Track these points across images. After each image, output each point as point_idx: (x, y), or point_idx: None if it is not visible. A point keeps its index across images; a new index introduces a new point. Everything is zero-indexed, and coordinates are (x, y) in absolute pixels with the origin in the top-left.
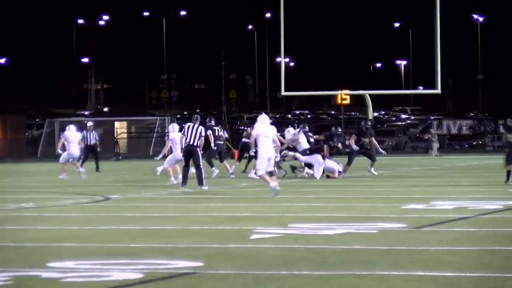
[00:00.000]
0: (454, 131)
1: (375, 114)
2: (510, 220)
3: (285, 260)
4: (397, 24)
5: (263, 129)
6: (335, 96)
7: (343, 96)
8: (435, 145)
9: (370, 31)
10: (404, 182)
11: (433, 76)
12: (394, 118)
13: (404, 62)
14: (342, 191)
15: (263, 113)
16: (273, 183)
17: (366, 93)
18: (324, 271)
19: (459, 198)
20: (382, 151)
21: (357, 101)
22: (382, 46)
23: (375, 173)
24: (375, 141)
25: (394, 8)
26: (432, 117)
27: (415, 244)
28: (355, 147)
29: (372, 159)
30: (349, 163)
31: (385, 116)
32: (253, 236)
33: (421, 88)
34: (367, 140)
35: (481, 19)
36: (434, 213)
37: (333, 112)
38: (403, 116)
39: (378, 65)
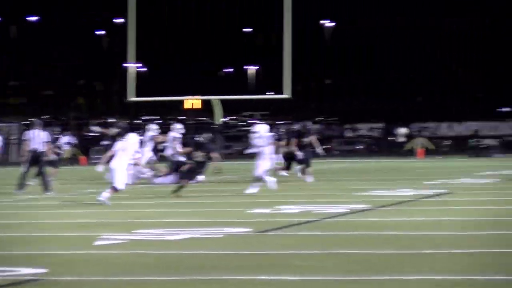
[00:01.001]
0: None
1: (225, 119)
2: (354, 223)
3: (129, 266)
4: (247, 30)
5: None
6: (184, 101)
7: (193, 101)
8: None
9: (220, 36)
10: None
11: (282, 81)
12: (243, 123)
13: (253, 68)
14: (188, 197)
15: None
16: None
17: (215, 98)
18: (170, 276)
19: (305, 202)
20: (321, 150)
21: (208, 106)
22: (232, 51)
23: (310, 179)
24: (316, 140)
25: (244, 14)
26: (281, 122)
27: (260, 248)
28: (299, 154)
29: (307, 164)
30: (307, 166)
31: (234, 121)
32: (97, 242)
33: (270, 93)
34: (308, 140)
35: (330, 25)
36: (279, 217)
37: (183, 117)
38: (252, 121)
39: (228, 70)
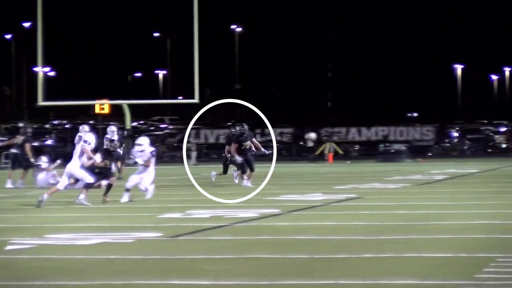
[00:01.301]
0: (211, 140)
1: (134, 123)
2: (265, 228)
3: (41, 271)
4: (156, 34)
5: None
6: (93, 106)
7: (102, 105)
8: (194, 154)
9: (130, 41)
10: (161, 191)
11: (192, 86)
12: (152, 128)
13: (163, 72)
14: (100, 201)
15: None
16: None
17: (124, 102)
18: (80, 281)
19: (215, 206)
20: (265, 150)
21: (117, 111)
22: (141, 55)
23: (250, 185)
24: (257, 142)
25: (152, 18)
26: (190, 127)
27: (170, 253)
28: (238, 158)
29: (251, 169)
30: (251, 169)
31: (144, 126)
32: (8, 247)
33: (180, 97)
34: (248, 143)
35: (238, 29)
36: (190, 222)
37: (91, 122)
38: (162, 125)
39: (138, 74)
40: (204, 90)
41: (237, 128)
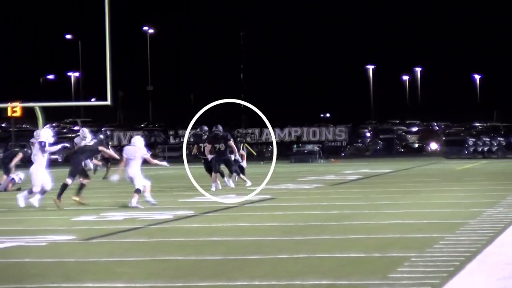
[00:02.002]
0: (124, 142)
1: (47, 126)
2: (179, 229)
3: None
4: (68, 36)
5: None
6: (5, 109)
7: (14, 108)
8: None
9: (42, 43)
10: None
11: (104, 87)
12: (64, 130)
13: (75, 74)
14: (12, 205)
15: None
16: None
17: (37, 105)
18: None
19: (130, 209)
20: (239, 158)
21: (29, 113)
22: (53, 58)
23: (233, 185)
24: (234, 145)
25: (64, 20)
26: (103, 129)
27: (84, 256)
28: (209, 156)
29: (230, 170)
30: (215, 171)
31: (56, 128)
32: None
33: (93, 99)
34: (222, 145)
35: (150, 31)
36: (104, 225)
37: (3, 125)
38: (74, 128)
39: (50, 76)
40: (117, 92)
41: (205, 129)
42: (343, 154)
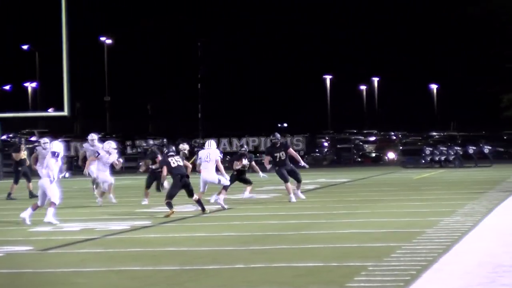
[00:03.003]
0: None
1: (4, 137)
2: (136, 240)
3: None
4: (24, 47)
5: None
6: None
7: None
8: (65, 166)
9: None
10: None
11: (61, 98)
12: (22, 141)
13: (32, 85)
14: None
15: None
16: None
17: None
18: None
19: (87, 219)
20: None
21: None
22: (9, 68)
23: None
24: (295, 153)
25: (21, 30)
26: (60, 140)
27: (41, 267)
28: (268, 167)
29: (298, 179)
30: (286, 180)
31: (13, 140)
32: None
33: (50, 110)
34: (282, 154)
35: (108, 41)
36: (61, 235)
37: None
38: (31, 138)
39: (6, 87)
40: (74, 103)
41: (278, 136)
42: (300, 164)
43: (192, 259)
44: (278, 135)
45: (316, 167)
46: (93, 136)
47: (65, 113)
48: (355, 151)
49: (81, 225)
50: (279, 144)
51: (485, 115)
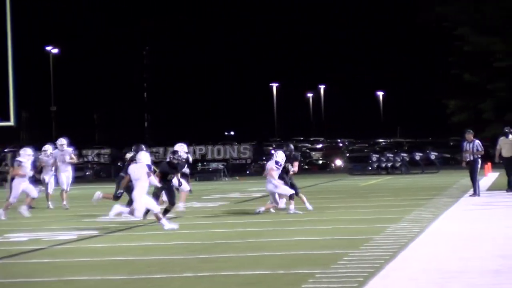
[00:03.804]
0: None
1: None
2: (83, 250)
3: None
4: None
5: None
6: None
7: None
8: (9, 177)
9: None
10: None
11: (7, 108)
12: None
13: None
14: None
15: None
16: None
17: None
18: None
19: (35, 229)
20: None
21: None
22: None
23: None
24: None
25: None
26: (6, 150)
27: None
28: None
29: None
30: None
31: None
32: None
33: None
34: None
35: (54, 51)
36: (8, 246)
37: None
38: None
39: None
40: (20, 113)
41: (291, 147)
42: (248, 172)
43: (140, 268)
44: (291, 146)
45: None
46: (63, 141)
47: (11, 123)
48: (301, 159)
49: (28, 236)
50: (292, 156)
51: (432, 121)
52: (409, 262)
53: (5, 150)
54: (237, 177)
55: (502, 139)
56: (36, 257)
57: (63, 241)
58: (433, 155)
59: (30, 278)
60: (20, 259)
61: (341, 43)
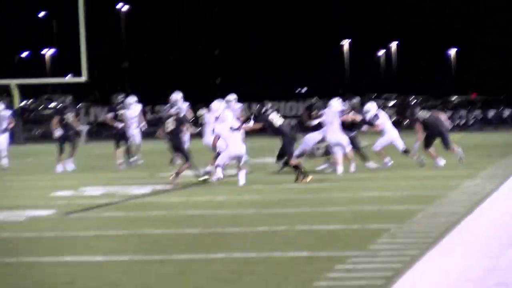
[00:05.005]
0: (101, 118)
1: (23, 103)
2: (157, 204)
3: None
4: (42, 13)
5: None
6: None
7: None
8: (84, 132)
9: (15, 21)
10: (53, 169)
11: (79, 64)
12: (41, 107)
13: (51, 51)
14: None
15: None
16: None
17: (12, 82)
18: None
19: (108, 183)
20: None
21: (4, 91)
22: (27, 35)
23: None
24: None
25: None
26: (80, 105)
27: (63, 231)
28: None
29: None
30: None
31: (32, 105)
32: None
33: (69, 76)
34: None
35: (125, 7)
36: (82, 199)
37: None
38: (50, 105)
39: (24, 53)
40: (93, 69)
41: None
42: None
43: (214, 222)
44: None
45: None
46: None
47: (83, 78)
48: None
49: (102, 189)
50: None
51: (507, 78)
52: (485, 217)
53: (78, 105)
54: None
55: None
56: (110, 210)
57: (138, 195)
58: (506, 113)
59: (103, 232)
60: (94, 212)
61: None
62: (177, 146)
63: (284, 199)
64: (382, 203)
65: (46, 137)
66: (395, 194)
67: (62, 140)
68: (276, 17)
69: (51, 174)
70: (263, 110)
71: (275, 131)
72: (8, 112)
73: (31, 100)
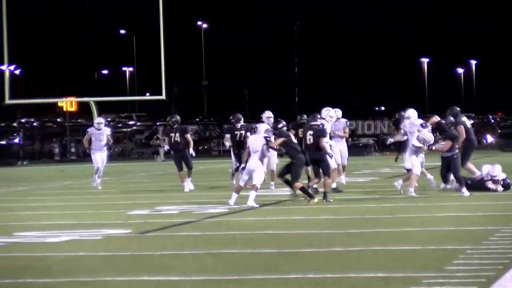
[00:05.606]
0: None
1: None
2: (233, 223)
3: (10, 269)
4: (122, 31)
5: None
6: (61, 103)
7: (69, 103)
8: (162, 150)
9: (96, 38)
10: (129, 188)
11: (159, 82)
12: (120, 125)
13: (130, 69)
14: (68, 199)
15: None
16: None
17: (91, 99)
18: (49, 279)
19: (184, 202)
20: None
21: (84, 108)
22: (107, 53)
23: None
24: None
25: (119, 15)
26: (158, 123)
27: (139, 250)
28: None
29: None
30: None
31: (111, 123)
32: None
33: (147, 94)
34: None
35: (204, 26)
36: (159, 218)
37: (58, 119)
38: (129, 122)
39: (104, 71)
40: (172, 87)
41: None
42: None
43: (289, 243)
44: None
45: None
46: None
47: (162, 97)
48: None
49: (178, 208)
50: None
51: None
52: None
53: (157, 123)
54: (387, 153)
55: None
56: (186, 230)
57: (214, 214)
58: None
59: (179, 251)
60: (171, 232)
61: (492, 18)
62: (320, 159)
63: (360, 219)
64: (459, 223)
65: (122, 155)
66: (472, 214)
67: (178, 159)
68: (353, 37)
69: (128, 193)
70: (280, 125)
71: (291, 149)
72: (108, 129)
73: (111, 117)
